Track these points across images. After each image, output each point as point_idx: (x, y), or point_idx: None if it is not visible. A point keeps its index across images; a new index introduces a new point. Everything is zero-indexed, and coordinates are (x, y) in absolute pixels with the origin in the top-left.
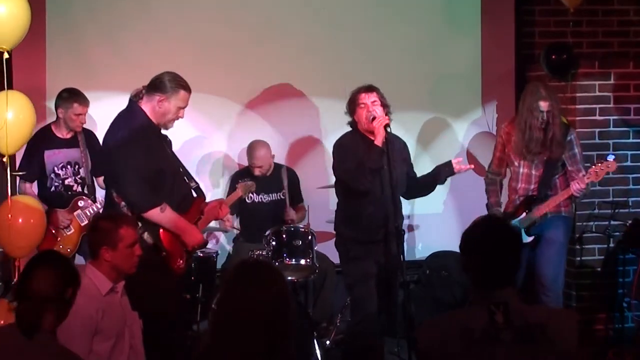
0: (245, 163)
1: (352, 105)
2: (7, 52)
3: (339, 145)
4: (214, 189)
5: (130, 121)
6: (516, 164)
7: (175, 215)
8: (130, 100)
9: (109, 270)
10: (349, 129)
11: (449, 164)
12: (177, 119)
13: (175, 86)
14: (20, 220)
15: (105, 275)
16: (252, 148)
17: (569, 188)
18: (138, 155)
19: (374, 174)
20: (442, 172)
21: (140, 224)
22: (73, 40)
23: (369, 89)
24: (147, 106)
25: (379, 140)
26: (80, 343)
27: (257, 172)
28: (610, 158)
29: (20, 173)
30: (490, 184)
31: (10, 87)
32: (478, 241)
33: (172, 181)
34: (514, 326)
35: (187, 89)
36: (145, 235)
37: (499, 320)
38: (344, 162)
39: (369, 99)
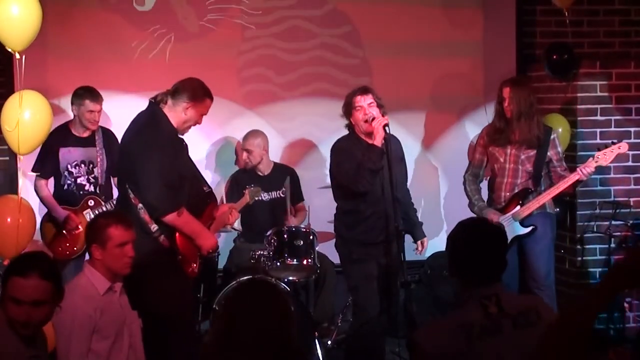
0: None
1: (348, 108)
2: (17, 53)
3: (337, 149)
4: (214, 190)
5: (155, 126)
6: (501, 160)
7: (192, 219)
8: (152, 103)
9: (104, 269)
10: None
11: (415, 238)
12: (196, 124)
13: (203, 94)
14: (8, 220)
15: (103, 275)
16: (247, 134)
17: (576, 172)
18: (164, 162)
19: (374, 175)
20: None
21: (157, 227)
22: (75, 39)
23: (364, 91)
24: (170, 111)
25: (378, 141)
26: (79, 342)
27: (244, 155)
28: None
29: (35, 173)
30: (471, 183)
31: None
32: (463, 242)
33: (189, 186)
34: (510, 314)
35: (212, 97)
36: (162, 238)
37: (492, 312)
38: (342, 164)
39: (364, 101)
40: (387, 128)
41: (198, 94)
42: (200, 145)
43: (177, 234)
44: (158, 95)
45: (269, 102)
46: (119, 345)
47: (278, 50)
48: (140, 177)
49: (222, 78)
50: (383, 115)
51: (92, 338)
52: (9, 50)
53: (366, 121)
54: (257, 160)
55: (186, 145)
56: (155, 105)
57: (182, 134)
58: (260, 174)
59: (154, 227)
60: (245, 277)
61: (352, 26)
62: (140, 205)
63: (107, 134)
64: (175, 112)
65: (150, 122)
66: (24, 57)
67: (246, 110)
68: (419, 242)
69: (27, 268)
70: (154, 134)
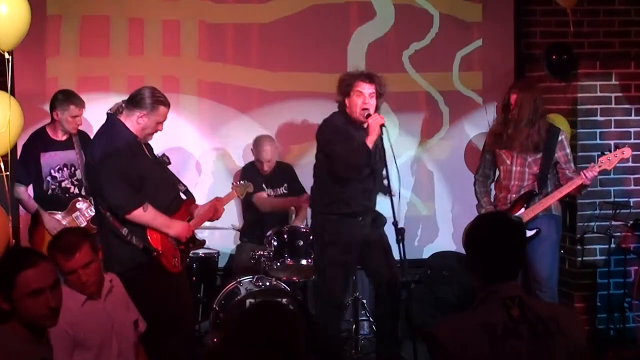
0: (242, 163)
1: (347, 89)
2: (7, 53)
3: (330, 125)
4: (213, 190)
5: (110, 134)
6: (508, 162)
7: (159, 213)
8: (110, 115)
9: None
10: None
11: None
12: (156, 132)
13: (155, 102)
14: None
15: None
16: (258, 143)
17: (580, 176)
18: (121, 164)
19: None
20: None
21: (127, 230)
22: (72, 41)
23: (370, 78)
24: (127, 120)
25: (371, 140)
26: (57, 355)
27: (265, 167)
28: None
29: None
30: (480, 185)
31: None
32: (484, 236)
33: (155, 185)
34: (529, 320)
35: (166, 104)
36: (134, 240)
37: (515, 315)
38: (335, 141)
39: (367, 89)
40: (383, 128)
41: (150, 102)
42: (200, 146)
43: (148, 233)
44: (114, 107)
45: (266, 103)
46: (107, 354)
47: (277, 49)
48: (103, 182)
49: (222, 79)
50: (378, 106)
51: (75, 352)
52: None
53: (364, 109)
54: (273, 164)
55: (150, 147)
56: (112, 116)
57: (145, 141)
58: (263, 172)
59: (124, 230)
60: (246, 278)
61: (350, 26)
62: (108, 213)
63: (83, 135)
64: (131, 121)
65: (105, 131)
66: (11, 57)
67: (244, 111)
68: None
69: (30, 257)
70: (109, 141)
